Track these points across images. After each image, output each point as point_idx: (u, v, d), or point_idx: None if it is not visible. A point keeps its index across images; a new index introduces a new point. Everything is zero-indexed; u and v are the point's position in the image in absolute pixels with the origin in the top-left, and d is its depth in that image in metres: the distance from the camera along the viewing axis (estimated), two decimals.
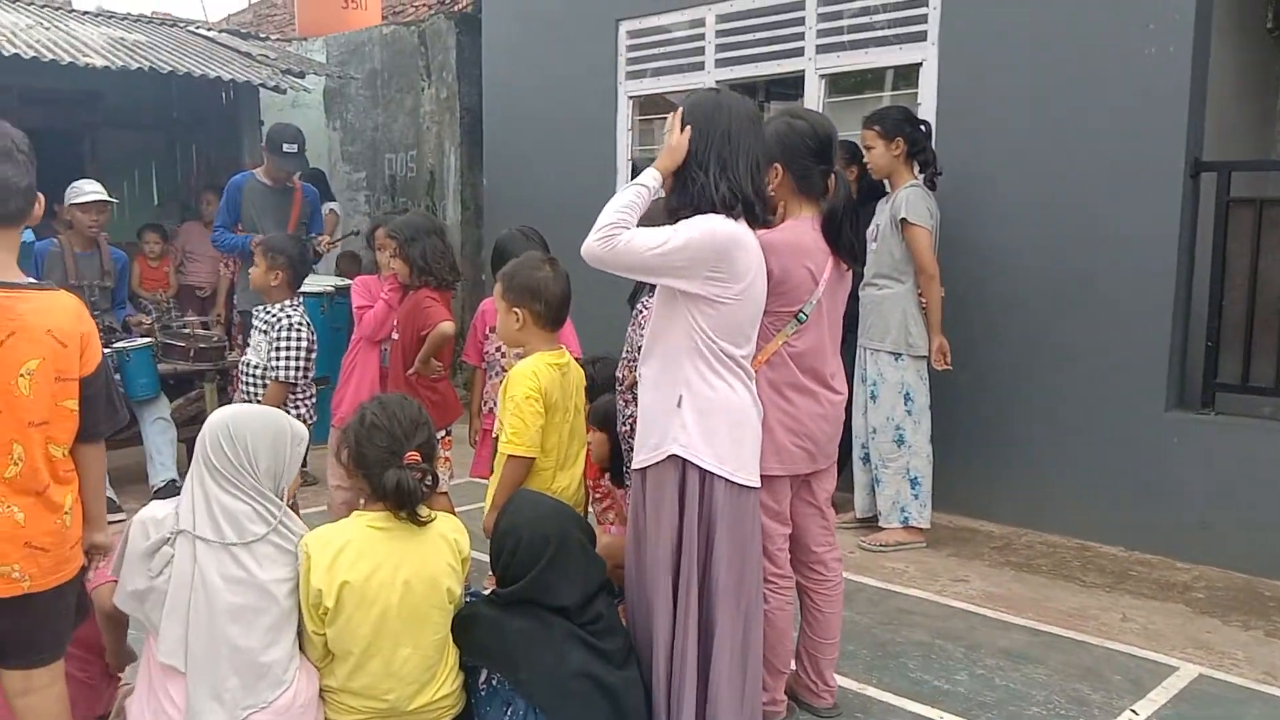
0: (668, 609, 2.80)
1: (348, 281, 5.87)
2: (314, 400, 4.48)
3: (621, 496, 3.92)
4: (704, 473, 2.72)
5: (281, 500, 2.64)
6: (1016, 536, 5.13)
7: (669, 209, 2.77)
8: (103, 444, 2.53)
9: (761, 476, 2.85)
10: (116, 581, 2.69)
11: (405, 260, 4.22)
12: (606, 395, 3.70)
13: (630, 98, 6.71)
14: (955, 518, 5.33)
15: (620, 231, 2.65)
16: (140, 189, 9.16)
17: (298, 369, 4.27)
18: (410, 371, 4.17)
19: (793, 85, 6.25)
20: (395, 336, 4.29)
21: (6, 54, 5.96)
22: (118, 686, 3.01)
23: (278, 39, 9.35)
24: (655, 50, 6.57)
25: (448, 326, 4.14)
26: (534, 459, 3.18)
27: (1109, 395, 4.88)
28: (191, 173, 8.96)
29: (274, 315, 4.32)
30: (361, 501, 2.84)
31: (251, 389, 4.34)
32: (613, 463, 3.76)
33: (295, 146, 5.86)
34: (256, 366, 4.33)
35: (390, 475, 2.67)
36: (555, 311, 3.20)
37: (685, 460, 2.73)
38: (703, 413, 2.71)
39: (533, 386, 3.13)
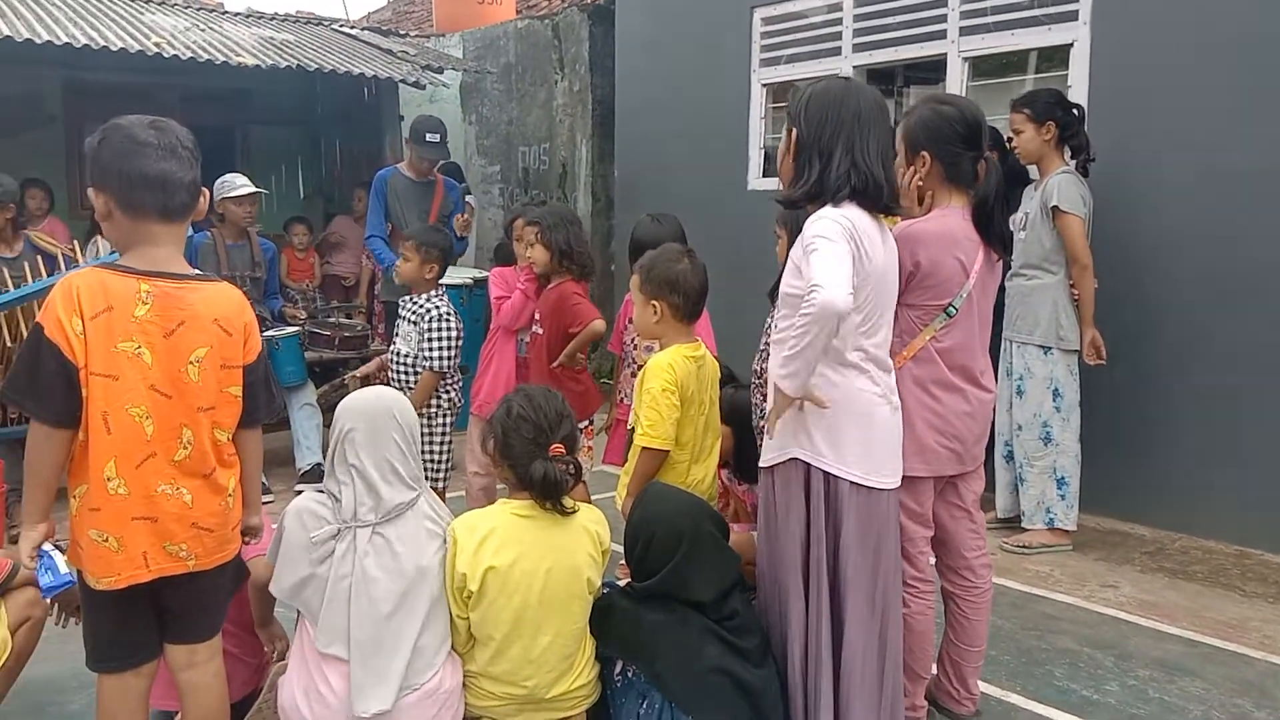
0: (800, 609, 2.74)
1: (485, 273, 5.96)
2: (460, 385, 4.59)
3: (743, 493, 3.88)
4: (829, 475, 2.66)
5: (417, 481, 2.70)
6: (1170, 541, 4.87)
7: (787, 199, 2.70)
8: (260, 430, 2.63)
9: (905, 478, 2.77)
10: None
11: (547, 246, 4.26)
12: (737, 388, 3.66)
13: (764, 85, 6.63)
14: (1103, 520, 5.09)
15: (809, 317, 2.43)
16: (287, 183, 9.54)
17: (449, 358, 4.37)
18: (555, 364, 4.21)
19: (932, 69, 6.07)
20: (539, 331, 4.32)
21: (167, 55, 6.26)
22: (270, 663, 3.13)
23: (416, 35, 9.58)
24: (790, 36, 6.47)
25: (599, 325, 4.19)
26: (668, 452, 3.17)
27: (1274, 395, 4.58)
28: (335, 167, 9.27)
29: (422, 307, 4.43)
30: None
31: (403, 378, 4.44)
32: (739, 457, 3.73)
33: (438, 136, 6.00)
34: (406, 356, 4.43)
35: (537, 466, 2.69)
36: (693, 304, 3.18)
37: (809, 464, 2.67)
38: (824, 413, 2.63)
39: (669, 379, 3.12)
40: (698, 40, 6.98)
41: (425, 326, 4.37)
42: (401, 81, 7.38)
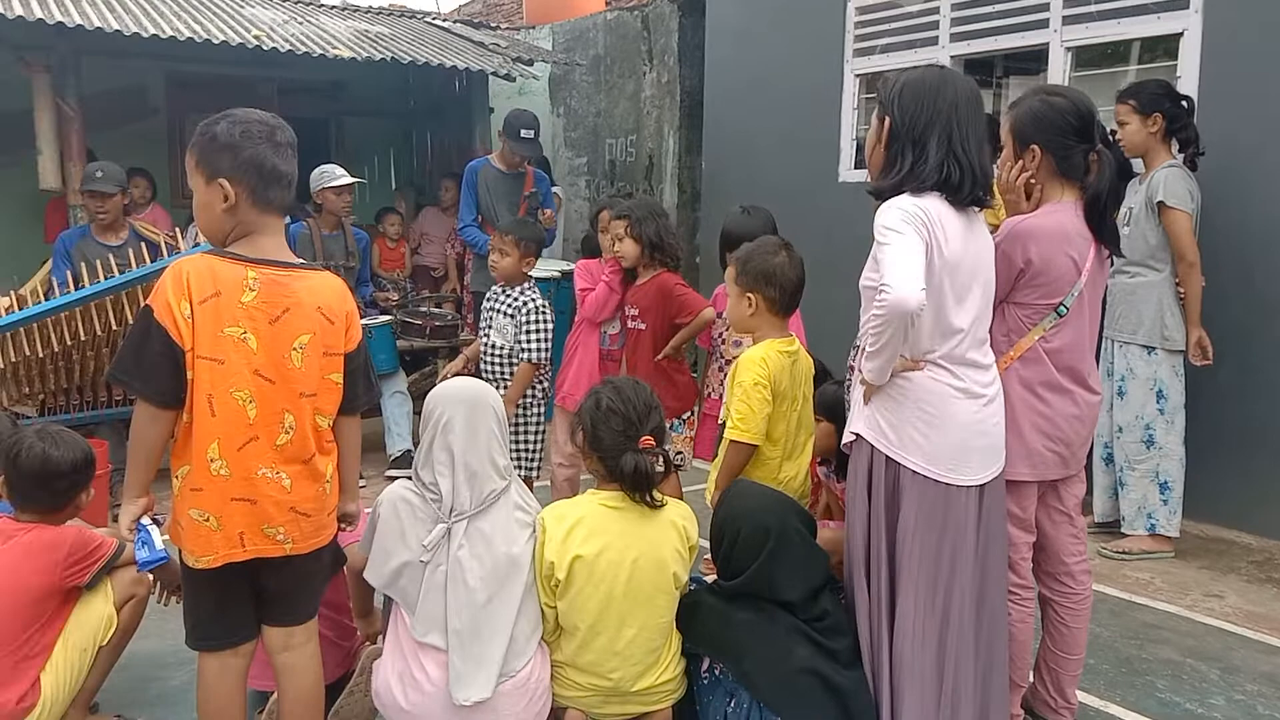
0: (864, 600, 2.71)
1: (572, 266, 5.98)
2: (550, 377, 4.62)
3: (840, 490, 3.82)
4: (889, 460, 2.60)
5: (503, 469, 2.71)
6: (1278, 550, 4.67)
7: (876, 190, 2.63)
8: (359, 418, 2.67)
9: (1009, 481, 2.70)
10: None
11: (636, 239, 4.24)
12: (834, 384, 3.60)
13: (857, 76, 6.52)
14: (1207, 527, 4.90)
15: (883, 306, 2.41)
16: (379, 174, 9.70)
17: (546, 349, 4.39)
18: (659, 357, 4.19)
19: (1033, 60, 5.90)
20: (641, 325, 4.30)
21: (266, 48, 6.40)
22: (362, 647, 3.18)
23: (507, 28, 9.65)
24: (885, 26, 6.35)
25: (710, 313, 4.17)
26: (757, 446, 3.13)
27: None
28: (426, 158, 9.40)
29: (518, 300, 4.45)
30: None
31: (497, 370, 4.46)
32: (840, 454, 3.66)
33: (531, 133, 6.03)
34: (501, 348, 4.44)
35: (627, 459, 2.69)
36: (789, 298, 3.14)
37: (872, 445, 2.62)
38: (892, 397, 2.59)
39: (761, 373, 3.08)
40: (790, 30, 6.89)
41: (522, 319, 4.39)
42: (493, 74, 7.43)
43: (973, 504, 2.63)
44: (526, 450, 4.51)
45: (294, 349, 2.40)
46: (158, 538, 2.35)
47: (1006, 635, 2.76)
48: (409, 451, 5.65)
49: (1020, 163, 2.83)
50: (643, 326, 4.30)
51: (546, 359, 4.42)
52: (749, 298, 3.13)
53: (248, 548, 2.39)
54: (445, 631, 2.57)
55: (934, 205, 2.50)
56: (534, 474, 4.52)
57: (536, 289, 4.52)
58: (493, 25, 9.52)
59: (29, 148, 6.61)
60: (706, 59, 7.70)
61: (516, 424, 4.47)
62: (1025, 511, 2.84)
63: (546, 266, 6.06)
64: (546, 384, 4.52)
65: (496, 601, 2.60)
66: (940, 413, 2.58)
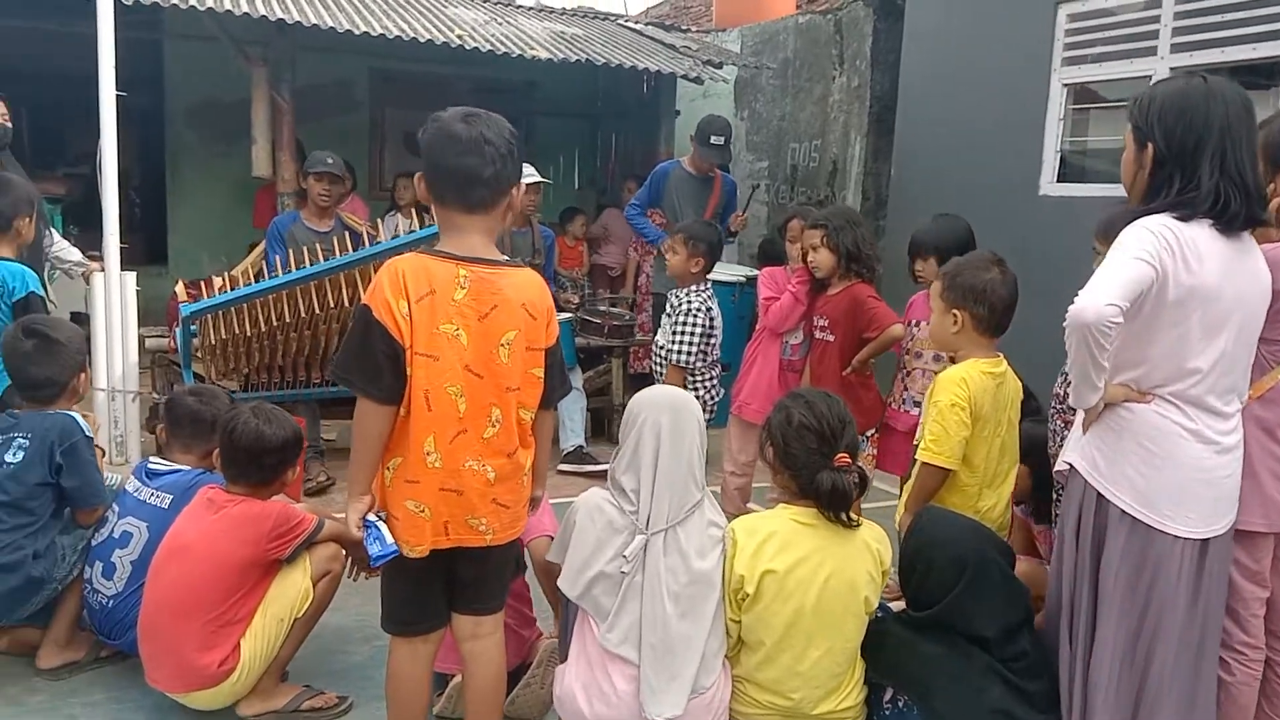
0: (1065, 647, 2.55)
1: (756, 272, 5.92)
2: (715, 383, 4.55)
3: (1039, 533, 3.63)
4: (1100, 497, 2.43)
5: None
6: None
7: (1136, 217, 2.45)
8: (553, 410, 2.69)
9: (1240, 531, 2.48)
10: (550, 537, 2.86)
11: (833, 249, 4.14)
12: (1035, 421, 3.40)
13: (1065, 86, 6.19)
14: None
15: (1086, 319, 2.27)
16: (564, 174, 9.87)
17: (690, 353, 4.34)
18: (847, 371, 4.09)
19: (1266, 74, 5.46)
20: (830, 337, 4.20)
21: (468, 47, 6.59)
22: (540, 639, 3.21)
23: (696, 31, 9.65)
24: (1099, 34, 6.01)
25: (898, 330, 4.05)
26: (951, 471, 2.99)
27: None
28: (610, 160, 9.50)
29: (678, 300, 4.43)
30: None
31: (660, 370, 4.47)
32: (1036, 496, 3.49)
33: (722, 139, 6.03)
34: (662, 348, 4.44)
35: (824, 477, 2.62)
36: (998, 317, 2.98)
37: (1085, 479, 2.46)
38: (1111, 428, 2.43)
39: (960, 395, 2.95)
40: (994, 36, 6.62)
41: (675, 319, 4.36)
42: (683, 77, 7.44)
43: (1190, 559, 2.43)
44: None
45: (501, 344, 2.43)
46: (387, 532, 2.38)
47: (1214, 699, 2.54)
48: (580, 447, 5.71)
49: (1273, 185, 2.59)
50: (831, 339, 4.19)
51: (691, 362, 4.36)
52: (955, 314, 2.99)
53: (451, 536, 2.44)
54: (639, 645, 2.54)
55: (1190, 231, 2.31)
56: None
57: (703, 292, 4.46)
58: (683, 28, 9.54)
59: (244, 137, 7.01)
60: (902, 64, 7.49)
61: None
62: (1259, 564, 2.61)
63: (731, 271, 6.01)
64: (702, 389, 4.46)
65: (690, 617, 2.56)
66: (1162, 451, 2.40)
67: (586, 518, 2.66)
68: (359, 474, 2.42)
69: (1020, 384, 3.14)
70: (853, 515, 2.66)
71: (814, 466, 2.64)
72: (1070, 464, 2.54)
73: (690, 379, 4.42)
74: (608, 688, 2.56)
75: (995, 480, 3.06)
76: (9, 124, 4.87)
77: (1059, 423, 3.22)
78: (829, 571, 2.61)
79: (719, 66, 7.81)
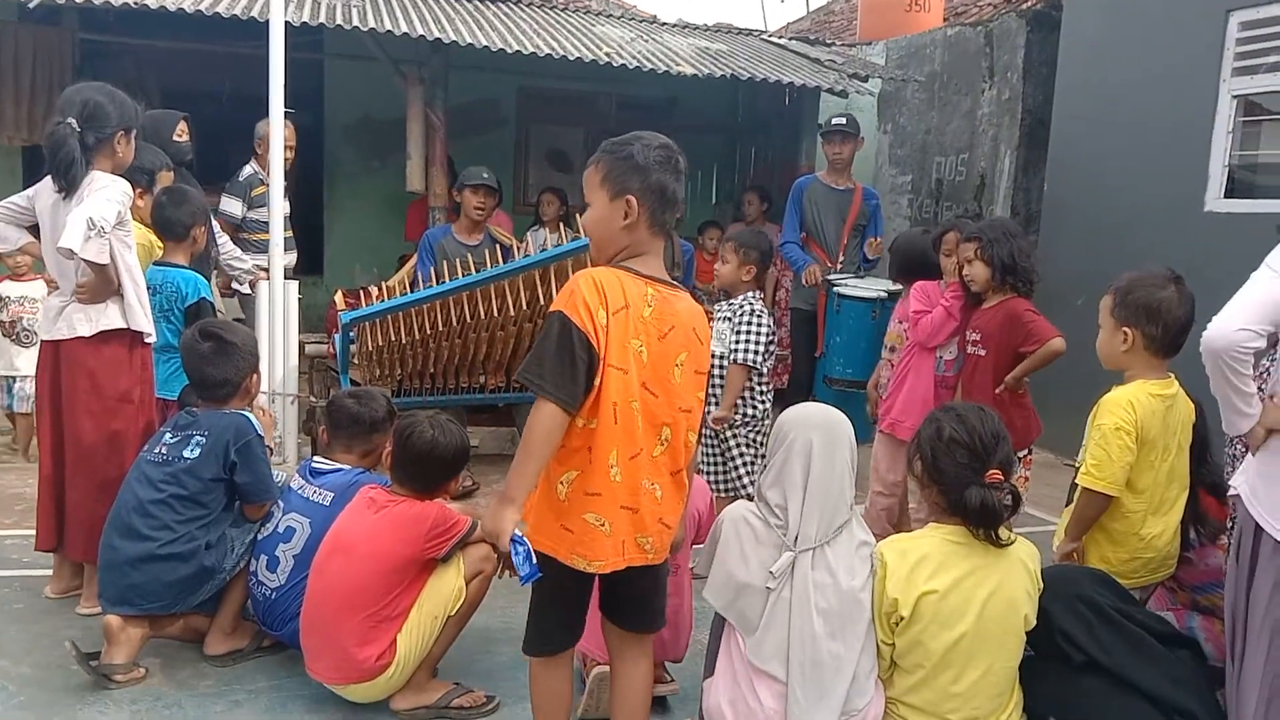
0: (1232, 681, 2.43)
1: (898, 287, 5.81)
2: (770, 393, 4.49)
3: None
4: (1257, 525, 2.31)
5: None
6: None
7: None
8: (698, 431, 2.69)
9: None
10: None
11: (987, 262, 4.03)
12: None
13: (1235, 97, 5.90)
14: None
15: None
16: (701, 188, 9.91)
17: (758, 352, 4.28)
18: (1000, 389, 3.97)
19: None
20: (981, 352, 4.10)
21: (616, 64, 6.70)
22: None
23: (840, 44, 9.57)
24: (1274, 43, 5.70)
25: (1059, 343, 3.89)
26: (1114, 497, 2.87)
27: None
28: (748, 174, 9.49)
29: (736, 304, 4.38)
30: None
31: (715, 377, 4.32)
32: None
33: (843, 119, 6.08)
34: (721, 356, 4.33)
35: (973, 493, 2.55)
36: (1172, 337, 2.86)
37: (1245, 505, 2.35)
38: (1273, 453, 2.32)
39: (1126, 418, 2.84)
40: (1157, 47, 6.35)
41: (739, 321, 4.30)
42: (828, 91, 7.39)
43: None
44: (733, 467, 4.36)
45: (675, 365, 2.46)
46: (530, 550, 2.33)
47: None
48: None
49: None
50: (983, 353, 4.07)
51: (758, 363, 4.29)
52: (1125, 332, 2.88)
53: (625, 556, 2.44)
54: (786, 662, 2.52)
55: None
56: (740, 494, 4.32)
57: (758, 298, 4.42)
58: (826, 42, 9.48)
59: (397, 152, 7.30)
60: (1058, 75, 7.26)
61: (724, 437, 4.35)
62: None
63: (873, 285, 5.92)
64: (759, 402, 4.38)
65: (840, 636, 2.52)
66: None
67: (732, 529, 2.65)
68: (524, 482, 2.33)
69: (1193, 406, 2.99)
70: (1002, 533, 2.57)
71: (963, 482, 2.57)
72: (1236, 489, 2.43)
73: (750, 392, 4.34)
74: (755, 704, 2.54)
75: (1162, 507, 2.93)
76: (189, 142, 5.18)
77: (1239, 446, 3.05)
78: (988, 591, 2.54)
79: (864, 80, 7.73)
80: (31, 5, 5.94)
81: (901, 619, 2.53)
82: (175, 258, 4.23)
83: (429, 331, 5.07)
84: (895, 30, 9.45)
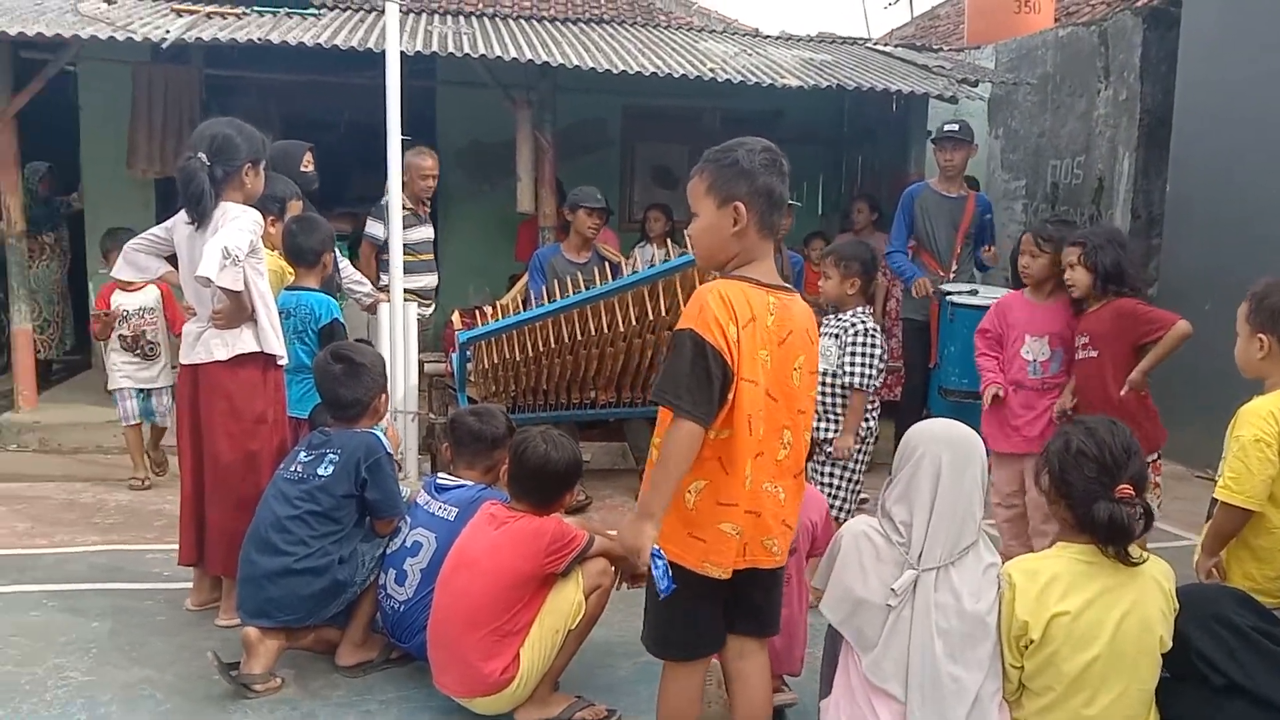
0: None
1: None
2: (877, 410, 4.40)
3: None
4: None
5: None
6: None
7: None
8: None
9: None
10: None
11: (1089, 268, 3.94)
12: None
13: None
14: None
15: None
16: (807, 199, 9.84)
17: (873, 375, 4.19)
18: (1125, 389, 3.85)
19: None
20: (1093, 354, 3.99)
21: (720, 79, 6.72)
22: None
23: (947, 49, 9.42)
24: None
25: (1185, 325, 3.76)
26: (1254, 512, 2.76)
27: None
28: (855, 184, 9.40)
29: (845, 321, 4.29)
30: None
31: (822, 398, 4.26)
32: None
33: (957, 126, 5.99)
34: (824, 373, 4.24)
35: (1101, 508, 2.48)
36: None
37: None
38: None
39: (1268, 430, 2.74)
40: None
41: (848, 340, 4.20)
42: (937, 97, 7.28)
43: None
44: (835, 486, 4.29)
45: (794, 369, 2.49)
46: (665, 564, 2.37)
47: None
48: None
49: None
50: (1095, 354, 3.96)
51: (874, 386, 4.20)
52: (1260, 339, 2.78)
53: (747, 558, 2.48)
54: (905, 682, 2.49)
55: None
56: (845, 515, 4.24)
57: (868, 314, 4.33)
58: (934, 48, 9.34)
59: (507, 175, 7.46)
60: (1179, 73, 7.01)
61: (835, 460, 4.28)
62: None
63: (988, 294, 5.79)
64: (872, 422, 4.29)
65: (961, 659, 2.48)
66: None
67: (852, 544, 2.63)
68: (661, 498, 2.36)
69: None
70: (1133, 551, 2.49)
71: (1091, 497, 2.50)
72: None
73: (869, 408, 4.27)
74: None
75: None
76: (315, 171, 5.40)
77: None
78: (1122, 611, 2.46)
79: (974, 84, 7.59)
80: (165, 45, 6.26)
81: (1031, 641, 2.47)
82: (306, 282, 4.43)
83: (541, 349, 5.17)
84: (1004, 33, 9.26)
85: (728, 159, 2.46)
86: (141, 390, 5.82)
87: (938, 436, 2.61)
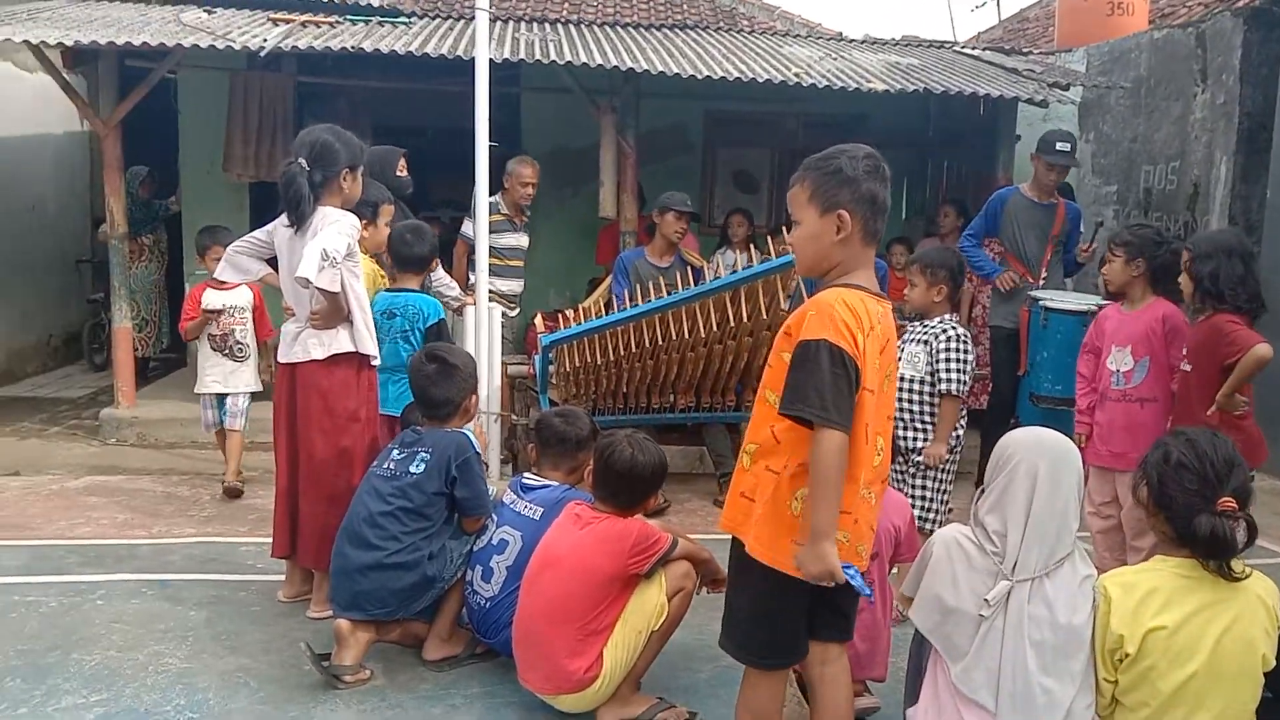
0: None
1: (1108, 302, 5.55)
2: (965, 420, 4.33)
3: None
4: None
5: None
6: None
7: None
8: None
9: None
10: None
11: (1191, 277, 3.84)
12: None
13: None
14: None
15: None
16: (891, 204, 9.74)
17: (965, 381, 4.12)
18: (1210, 410, 3.76)
19: None
20: (1187, 368, 3.92)
21: (805, 84, 6.69)
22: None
23: (1037, 53, 9.25)
24: None
25: (1264, 350, 3.67)
26: None
27: None
28: (939, 189, 9.27)
29: (935, 327, 4.22)
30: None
31: (905, 402, 4.21)
32: None
33: (1068, 145, 5.83)
34: (912, 380, 4.20)
35: (1203, 521, 2.41)
36: None
37: None
38: None
39: None
40: None
41: (939, 346, 4.12)
42: (1027, 101, 7.15)
43: None
44: (920, 495, 4.22)
45: (887, 376, 2.50)
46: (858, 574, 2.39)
47: None
48: None
49: None
50: (1189, 369, 3.87)
51: (967, 392, 4.13)
52: None
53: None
54: (996, 693, 2.46)
55: None
56: (933, 526, 4.15)
57: (956, 320, 4.27)
58: (1023, 51, 9.18)
59: (589, 180, 7.52)
60: None
61: (927, 470, 4.21)
62: None
63: (1079, 300, 5.67)
64: (960, 430, 4.21)
65: (1053, 672, 2.44)
66: None
67: (944, 552, 2.60)
68: (830, 515, 2.33)
69: None
70: (1235, 566, 2.43)
71: (1192, 510, 2.44)
72: None
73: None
74: None
75: None
76: (409, 176, 5.52)
77: None
78: (1222, 628, 2.39)
79: (1065, 88, 7.43)
80: (263, 54, 6.45)
81: (1126, 655, 2.42)
82: (409, 284, 4.54)
83: (623, 353, 5.20)
84: (1096, 35, 9.05)
85: (830, 166, 2.46)
86: (222, 397, 5.77)
87: (1035, 445, 2.56)
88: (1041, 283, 5.98)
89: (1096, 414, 4.27)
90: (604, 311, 5.48)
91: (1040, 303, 5.48)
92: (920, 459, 4.18)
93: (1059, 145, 5.79)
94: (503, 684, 3.49)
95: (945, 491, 4.28)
